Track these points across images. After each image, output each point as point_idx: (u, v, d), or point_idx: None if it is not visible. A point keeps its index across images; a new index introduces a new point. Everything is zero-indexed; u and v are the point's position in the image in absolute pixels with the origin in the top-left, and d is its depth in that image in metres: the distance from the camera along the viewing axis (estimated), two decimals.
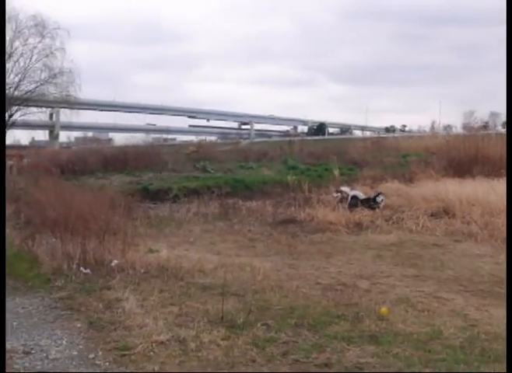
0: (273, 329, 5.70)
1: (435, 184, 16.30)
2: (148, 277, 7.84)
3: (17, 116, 36.22)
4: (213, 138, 68.73)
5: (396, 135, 50.43)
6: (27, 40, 35.13)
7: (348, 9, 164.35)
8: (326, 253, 10.14)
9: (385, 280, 8.14)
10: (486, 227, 11.71)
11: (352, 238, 11.65)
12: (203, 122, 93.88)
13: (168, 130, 76.57)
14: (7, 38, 31.15)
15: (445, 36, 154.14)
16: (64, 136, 69.46)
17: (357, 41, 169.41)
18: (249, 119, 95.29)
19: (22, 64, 35.25)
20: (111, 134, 76.09)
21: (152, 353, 5.04)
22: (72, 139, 71.56)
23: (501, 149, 21.32)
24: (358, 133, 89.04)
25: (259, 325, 5.78)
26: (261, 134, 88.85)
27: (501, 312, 6.48)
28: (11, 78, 34.15)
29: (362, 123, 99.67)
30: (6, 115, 32.98)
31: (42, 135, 57.91)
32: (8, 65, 33.03)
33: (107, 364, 4.87)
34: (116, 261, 8.37)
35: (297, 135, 69.01)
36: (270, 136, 78.52)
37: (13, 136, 53.70)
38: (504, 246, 10.23)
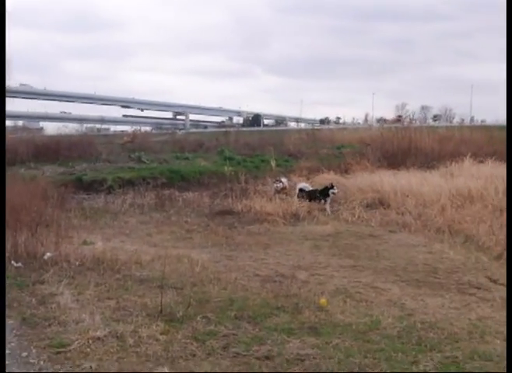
0: (213, 322, 5.64)
1: (370, 175, 16.57)
2: (83, 270, 7.63)
3: None
4: (148, 129, 67.79)
5: (331, 127, 51.01)
6: None
7: (284, 3, 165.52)
8: (264, 244, 10.13)
9: (323, 270, 8.19)
10: (420, 217, 11.95)
11: (289, 229, 11.68)
12: (137, 112, 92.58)
13: (102, 120, 75.05)
14: None
15: (378, 30, 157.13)
16: None
17: (293, 34, 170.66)
18: (184, 109, 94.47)
19: None
20: (42, 124, 74.06)
21: (88, 349, 4.90)
22: None
23: (432, 142, 21.94)
24: (293, 124, 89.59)
25: (199, 318, 5.72)
26: (197, 124, 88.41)
27: (436, 301, 6.66)
28: None
29: (297, 114, 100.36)
30: None
31: None
32: None
33: (42, 362, 4.69)
34: (49, 254, 8.11)
35: (233, 126, 69.00)
36: (205, 127, 78.25)
37: None
38: (437, 236, 10.54)
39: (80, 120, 64.75)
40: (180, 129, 64.52)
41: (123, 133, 44.37)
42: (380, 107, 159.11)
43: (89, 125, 66.10)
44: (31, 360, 4.73)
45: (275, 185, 15.78)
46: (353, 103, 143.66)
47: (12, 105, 53.16)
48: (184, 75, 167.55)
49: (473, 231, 10.35)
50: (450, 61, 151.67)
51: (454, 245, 9.78)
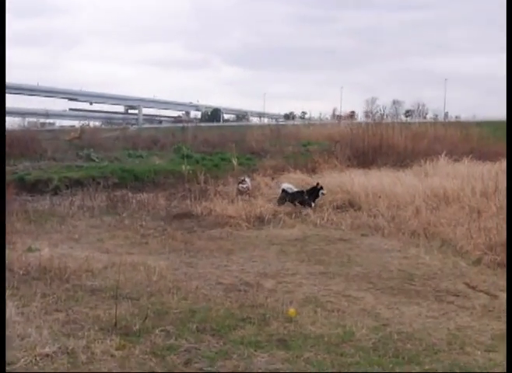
0: (173, 335, 5.60)
1: (339, 175, 16.71)
2: (28, 280, 7.49)
3: None
4: (97, 123, 67.16)
5: (296, 122, 51.29)
6: None
7: None
8: (226, 250, 10.11)
9: (291, 278, 8.21)
10: (393, 220, 12.06)
11: (253, 233, 11.68)
12: (86, 105, 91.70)
13: (46, 114, 74.10)
14: None
15: (345, 19, 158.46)
16: None
17: (254, 22, 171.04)
18: (137, 103, 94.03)
19: None
20: None
21: (36, 367, 4.81)
22: None
23: (405, 139, 22.25)
24: (255, 120, 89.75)
25: (157, 331, 5.67)
26: (151, 119, 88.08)
27: (412, 310, 6.73)
28: None
29: (260, 109, 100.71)
30: None
31: None
32: None
33: None
34: None
35: (190, 121, 68.89)
36: (160, 122, 78.02)
37: None
38: (412, 240, 10.65)
39: (22, 113, 63.89)
40: (133, 124, 64.21)
41: (70, 128, 43.89)
42: (348, 101, 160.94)
43: (31, 119, 65.10)
44: None
45: (240, 185, 15.75)
46: (320, 97, 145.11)
47: None
48: (138, 66, 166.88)
49: (450, 234, 10.48)
50: (422, 52, 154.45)
51: (430, 249, 9.89)
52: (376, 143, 21.26)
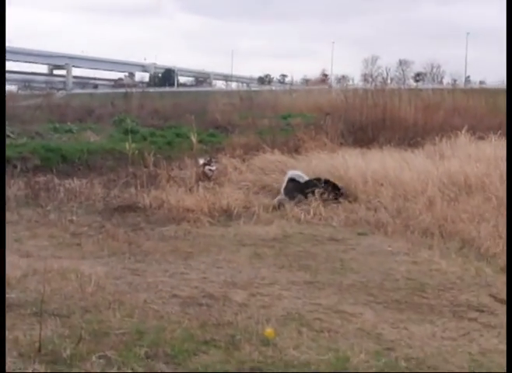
0: (115, 363, 5.60)
1: (330, 156, 16.80)
2: None
3: None
4: (13, 88, 66.63)
5: (274, 88, 51.31)
6: None
7: None
8: (184, 253, 10.12)
9: (268, 289, 8.24)
10: (399, 215, 12.17)
11: (219, 232, 11.70)
12: None
13: None
14: None
15: None
16: None
17: None
18: (65, 61, 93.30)
19: None
20: None
21: None
22: None
23: (415, 110, 22.39)
24: (220, 84, 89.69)
25: (94, 358, 5.66)
26: (83, 82, 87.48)
27: (424, 330, 6.80)
28: None
29: (226, 70, 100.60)
30: None
31: None
32: None
33: None
34: None
35: (135, 85, 68.55)
36: (96, 86, 77.58)
37: None
38: (424, 241, 10.77)
39: None
40: (60, 89, 63.74)
41: None
42: (342, 61, 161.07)
43: None
44: None
45: (207, 167, 15.74)
46: (305, 56, 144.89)
47: None
48: (66, 12, 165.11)
49: (472, 233, 10.61)
50: None
51: (447, 252, 10.00)
52: (378, 115, 21.39)
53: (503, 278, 8.73)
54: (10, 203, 13.85)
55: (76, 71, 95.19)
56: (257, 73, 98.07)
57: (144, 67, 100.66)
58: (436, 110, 22.75)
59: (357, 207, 13.05)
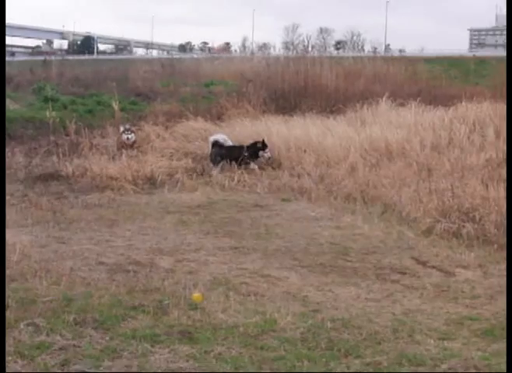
0: (44, 330, 5.57)
1: (252, 123, 16.84)
2: None
3: None
4: None
5: (195, 56, 51.09)
6: None
7: None
8: (108, 221, 10.09)
9: (194, 254, 8.30)
10: (322, 181, 12.29)
11: (143, 199, 11.69)
12: None
13: None
14: None
15: None
16: None
17: None
18: None
19: None
20: None
21: None
22: None
23: (336, 78, 22.54)
24: (141, 52, 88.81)
25: (22, 325, 5.62)
26: None
27: (349, 292, 6.93)
28: None
29: (146, 38, 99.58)
30: None
31: None
32: None
33: None
34: None
35: (54, 53, 67.46)
36: (13, 54, 75.79)
37: None
38: (347, 206, 10.92)
39: None
40: None
41: None
42: (263, 29, 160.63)
43: None
44: None
45: (124, 136, 15.63)
46: (227, 23, 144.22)
47: None
48: None
49: (394, 198, 10.78)
50: None
51: (370, 217, 10.17)
52: (300, 83, 21.46)
53: (425, 241, 8.95)
54: None
55: None
56: (178, 41, 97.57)
57: (62, 35, 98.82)
58: (357, 78, 22.94)
59: (281, 173, 13.15)
